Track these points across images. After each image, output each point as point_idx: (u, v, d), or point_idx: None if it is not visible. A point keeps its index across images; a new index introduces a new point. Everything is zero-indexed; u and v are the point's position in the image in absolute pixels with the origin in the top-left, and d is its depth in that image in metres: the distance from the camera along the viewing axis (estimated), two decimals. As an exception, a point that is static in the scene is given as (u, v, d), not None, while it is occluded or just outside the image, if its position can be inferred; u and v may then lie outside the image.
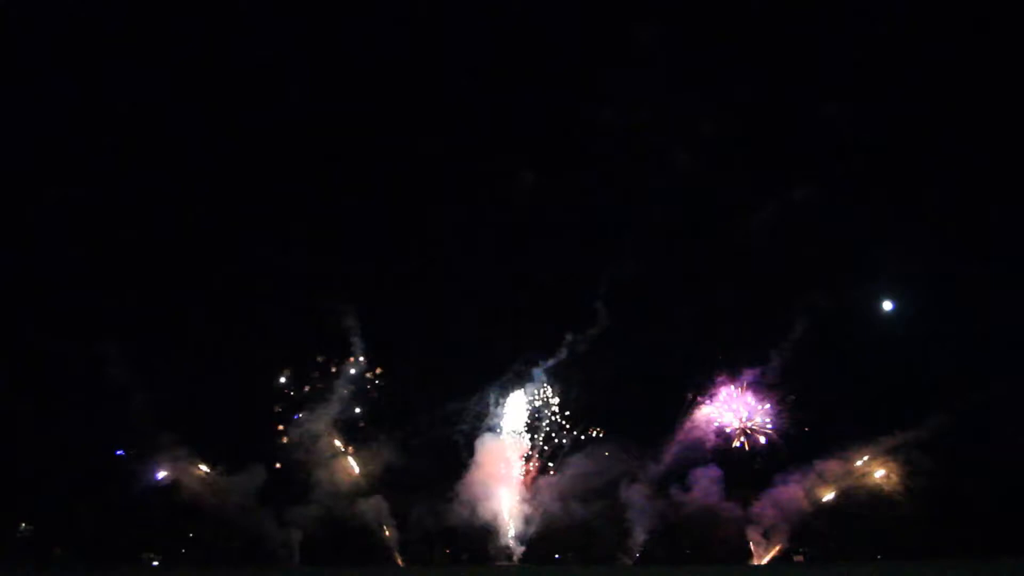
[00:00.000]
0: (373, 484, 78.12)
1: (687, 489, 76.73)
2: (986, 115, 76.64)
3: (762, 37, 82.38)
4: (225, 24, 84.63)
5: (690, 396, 79.27)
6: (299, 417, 78.09)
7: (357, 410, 79.84)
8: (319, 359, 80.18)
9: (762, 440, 77.10)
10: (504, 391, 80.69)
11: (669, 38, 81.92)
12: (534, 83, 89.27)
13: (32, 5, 78.09)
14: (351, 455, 78.90)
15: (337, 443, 78.69)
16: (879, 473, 74.50)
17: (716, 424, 78.39)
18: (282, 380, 79.49)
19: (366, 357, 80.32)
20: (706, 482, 76.09)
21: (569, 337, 79.69)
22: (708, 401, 79.11)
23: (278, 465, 77.29)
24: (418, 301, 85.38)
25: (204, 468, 76.26)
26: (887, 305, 79.89)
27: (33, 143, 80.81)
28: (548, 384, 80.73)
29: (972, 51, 76.56)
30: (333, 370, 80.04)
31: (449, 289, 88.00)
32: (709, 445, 78.18)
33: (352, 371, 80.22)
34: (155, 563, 75.63)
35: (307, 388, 79.27)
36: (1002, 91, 76.05)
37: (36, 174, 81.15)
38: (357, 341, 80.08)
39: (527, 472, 79.18)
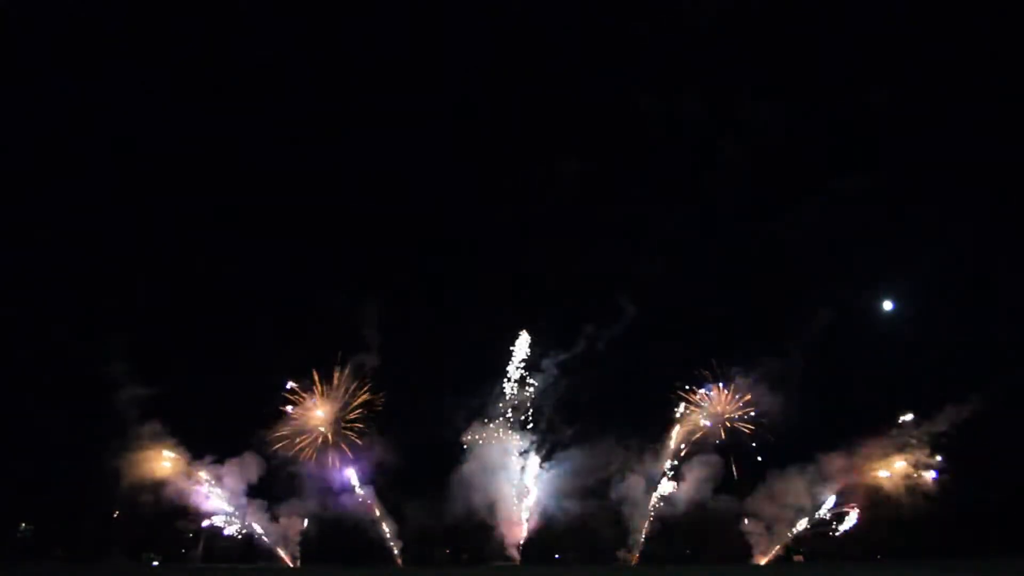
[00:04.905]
0: (370, 480, 78.36)
1: (685, 483, 76.74)
2: (1000, 118, 76.82)
3: (792, 40, 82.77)
4: (254, 25, 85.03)
5: (692, 391, 79.36)
6: (295, 411, 78.20)
7: (358, 408, 79.86)
8: (322, 354, 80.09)
9: (763, 435, 76.94)
10: (509, 384, 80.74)
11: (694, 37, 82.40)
12: (553, 78, 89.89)
13: (32, 5, 78.27)
14: (349, 451, 79.10)
15: (335, 439, 78.85)
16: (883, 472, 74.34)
17: (720, 418, 78.29)
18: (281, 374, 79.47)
19: (378, 352, 79.56)
20: (704, 476, 76.15)
21: (589, 329, 79.53)
22: (710, 396, 79.06)
23: (271, 459, 76.94)
24: (423, 296, 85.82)
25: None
26: (890, 305, 79.99)
27: (34, 143, 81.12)
28: (556, 377, 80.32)
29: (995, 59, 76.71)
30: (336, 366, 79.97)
31: (455, 283, 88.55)
32: (710, 440, 78.24)
33: (362, 364, 79.78)
34: (155, 563, 75.51)
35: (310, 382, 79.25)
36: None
37: (35, 173, 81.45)
38: (373, 334, 79.25)
39: (525, 468, 79.05)
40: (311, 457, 77.54)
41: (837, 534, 75.11)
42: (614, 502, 76.67)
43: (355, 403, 78.87)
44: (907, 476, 73.69)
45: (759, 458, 76.79)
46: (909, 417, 74.15)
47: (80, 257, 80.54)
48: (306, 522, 76.72)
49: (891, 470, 74.01)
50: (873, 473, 74.20)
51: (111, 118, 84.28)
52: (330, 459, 78.20)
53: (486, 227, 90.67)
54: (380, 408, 79.29)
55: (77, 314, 76.69)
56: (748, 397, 77.17)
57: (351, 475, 78.17)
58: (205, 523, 76.71)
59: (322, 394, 78.60)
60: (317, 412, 78.42)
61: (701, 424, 78.45)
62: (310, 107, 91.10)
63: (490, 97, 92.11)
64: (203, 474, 75.24)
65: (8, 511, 76.80)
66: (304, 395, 78.42)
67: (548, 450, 79.28)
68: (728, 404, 78.04)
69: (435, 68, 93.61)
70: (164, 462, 74.61)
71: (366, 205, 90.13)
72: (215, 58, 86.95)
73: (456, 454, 78.54)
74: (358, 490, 77.68)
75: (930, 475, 72.95)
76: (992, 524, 70.99)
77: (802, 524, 74.71)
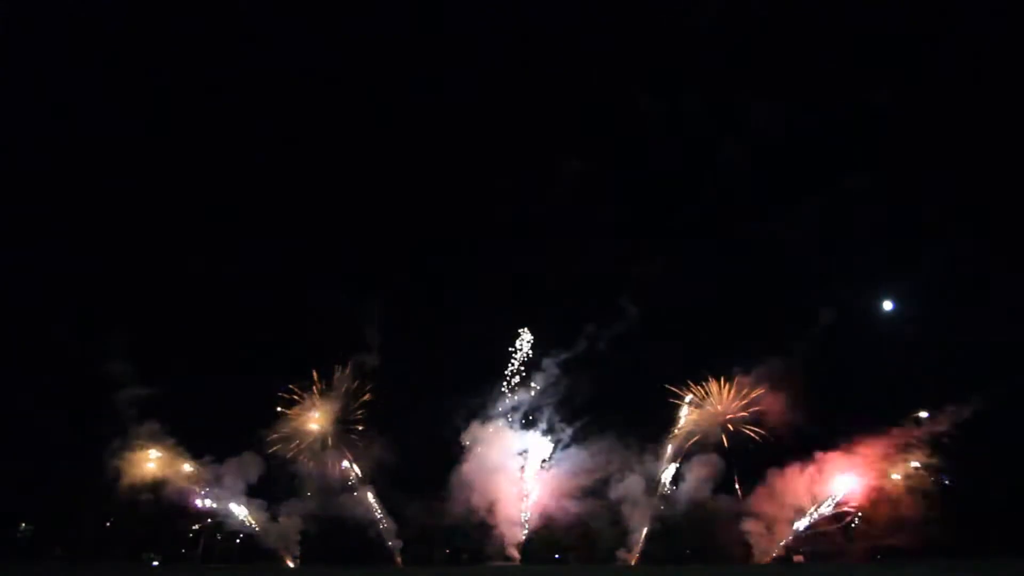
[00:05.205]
0: (370, 480, 78.23)
1: (685, 483, 76.74)
2: (1000, 118, 76.79)
3: (792, 40, 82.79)
4: (255, 23, 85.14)
5: (692, 391, 79.23)
6: (295, 411, 78.00)
7: (357, 408, 79.74)
8: (322, 354, 79.87)
9: (763, 435, 76.77)
10: (509, 384, 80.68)
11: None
12: (553, 77, 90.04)
13: (33, 5, 78.36)
14: (349, 451, 78.96)
15: (335, 439, 78.71)
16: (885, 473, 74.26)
17: (720, 418, 78.18)
18: (281, 374, 79.31)
19: (378, 352, 79.20)
20: (704, 475, 76.13)
21: (590, 329, 79.32)
22: (710, 396, 78.98)
23: (271, 459, 76.70)
24: (423, 296, 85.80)
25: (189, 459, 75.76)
26: (890, 305, 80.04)
27: (34, 142, 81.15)
28: (556, 377, 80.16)
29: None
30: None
31: (455, 283, 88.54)
32: (710, 439, 78.13)
33: (362, 364, 79.27)
34: (155, 563, 75.49)
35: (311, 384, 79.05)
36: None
37: (35, 173, 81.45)
38: (373, 334, 78.87)
39: (525, 468, 79.00)
40: (311, 457, 77.62)
41: (837, 534, 75.08)
42: (614, 502, 76.71)
43: (355, 403, 79.09)
44: (907, 476, 73.66)
45: (759, 458, 76.85)
46: (924, 414, 73.94)
47: (80, 257, 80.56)
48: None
49: (891, 470, 73.95)
50: (873, 473, 74.13)
51: (112, 117, 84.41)
52: (330, 459, 78.29)
53: (486, 227, 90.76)
54: (380, 408, 79.43)
55: (77, 314, 76.74)
56: (748, 397, 77.19)
57: (351, 475, 78.31)
58: (205, 523, 76.74)
59: (322, 394, 78.73)
60: (317, 412, 78.43)
61: (701, 424, 78.44)
62: (310, 106, 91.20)
63: (490, 96, 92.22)
64: (203, 474, 75.37)
65: (8, 511, 76.80)
66: (304, 395, 78.55)
67: (548, 450, 79.47)
68: (728, 404, 78.08)
69: (435, 67, 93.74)
70: (163, 462, 74.63)
71: (366, 205, 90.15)
72: (215, 56, 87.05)
73: (456, 454, 78.65)
74: (358, 490, 77.86)
75: (933, 476, 72.84)
76: (992, 524, 70.89)
77: (802, 524, 74.76)
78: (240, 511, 75.30)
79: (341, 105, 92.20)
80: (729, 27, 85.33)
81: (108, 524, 76.94)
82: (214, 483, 75.13)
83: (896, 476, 73.81)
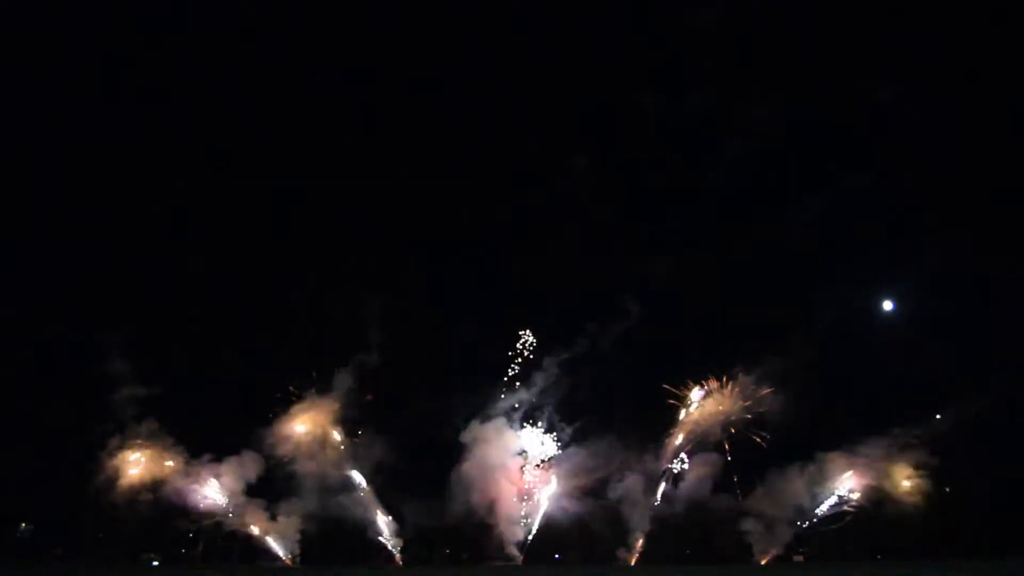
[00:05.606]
0: (369, 480, 78.18)
1: (685, 483, 76.73)
2: (997, 118, 76.83)
3: (793, 40, 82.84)
4: (255, 21, 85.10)
5: (692, 390, 79.17)
6: (294, 410, 77.85)
7: (358, 407, 79.70)
8: (322, 354, 79.86)
9: (763, 434, 76.76)
10: (510, 383, 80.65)
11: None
12: (554, 77, 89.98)
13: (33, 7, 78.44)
14: (348, 451, 78.88)
15: (336, 438, 78.71)
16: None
17: (720, 417, 78.14)
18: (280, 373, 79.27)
19: (379, 351, 78.89)
20: (704, 475, 76.07)
21: (590, 328, 79.27)
22: (711, 395, 78.91)
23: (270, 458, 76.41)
24: (423, 295, 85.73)
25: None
26: (890, 304, 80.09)
27: (34, 141, 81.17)
28: (556, 376, 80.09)
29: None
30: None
31: (455, 283, 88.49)
32: (710, 439, 78.08)
33: (363, 363, 78.95)
34: (155, 563, 75.52)
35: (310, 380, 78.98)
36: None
37: (34, 172, 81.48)
38: (374, 334, 78.65)
39: (524, 468, 78.96)
40: (310, 457, 77.49)
41: (837, 534, 75.08)
42: (614, 502, 76.72)
43: (355, 403, 79.03)
44: (908, 476, 73.67)
45: (759, 458, 76.82)
46: (925, 415, 73.90)
47: (80, 257, 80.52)
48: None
49: (891, 470, 73.94)
50: (873, 473, 74.11)
51: (112, 117, 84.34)
52: (329, 459, 78.19)
53: (486, 227, 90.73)
54: (380, 408, 79.42)
55: (76, 313, 76.64)
56: (749, 397, 77.14)
57: (350, 475, 78.29)
58: (204, 523, 76.72)
59: (322, 394, 78.71)
60: (317, 411, 78.42)
61: (702, 423, 78.41)
62: (309, 106, 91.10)
63: (490, 96, 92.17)
64: (202, 473, 75.30)
65: (8, 511, 76.80)
66: (304, 395, 78.51)
67: (548, 449, 79.41)
68: (728, 403, 78.01)
69: (435, 67, 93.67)
70: (163, 461, 74.61)
71: (366, 205, 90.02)
72: (215, 56, 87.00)
73: (456, 453, 78.57)
74: (357, 490, 77.82)
75: (933, 476, 72.83)
76: (992, 524, 70.95)
77: (802, 524, 74.73)
78: (240, 511, 75.38)
79: (340, 105, 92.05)
80: (729, 27, 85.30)
81: (108, 524, 76.80)
82: (214, 482, 75.21)
83: (896, 476, 73.86)
